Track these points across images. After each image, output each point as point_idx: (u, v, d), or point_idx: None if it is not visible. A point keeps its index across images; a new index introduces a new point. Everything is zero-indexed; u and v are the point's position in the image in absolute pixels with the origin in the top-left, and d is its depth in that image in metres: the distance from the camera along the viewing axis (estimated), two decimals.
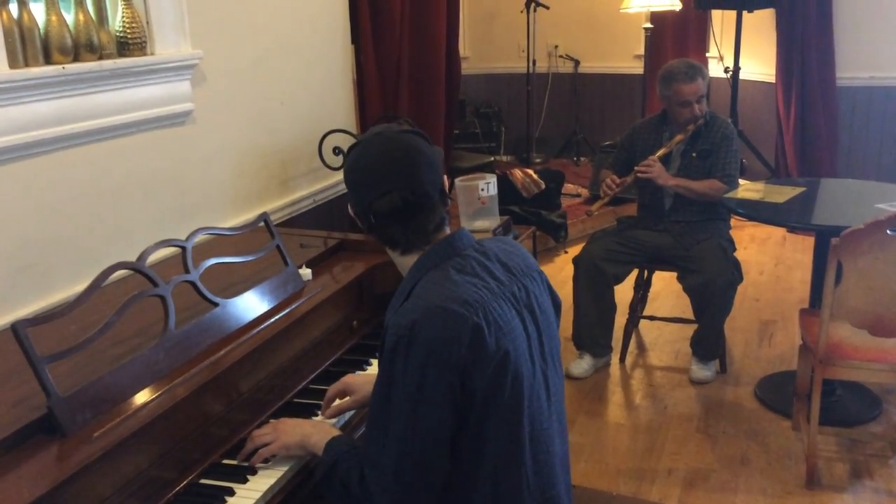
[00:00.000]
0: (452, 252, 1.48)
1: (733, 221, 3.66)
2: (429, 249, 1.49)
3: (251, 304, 1.91)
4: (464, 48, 6.64)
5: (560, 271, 4.59)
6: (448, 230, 1.54)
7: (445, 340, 1.34)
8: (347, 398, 1.79)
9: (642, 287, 3.70)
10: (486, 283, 1.44)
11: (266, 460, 1.61)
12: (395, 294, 1.50)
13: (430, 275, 1.45)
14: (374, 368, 2.03)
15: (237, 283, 1.99)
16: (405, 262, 1.52)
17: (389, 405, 1.38)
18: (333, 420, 1.77)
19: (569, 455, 1.61)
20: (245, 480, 1.56)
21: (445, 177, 1.53)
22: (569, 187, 5.72)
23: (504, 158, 6.87)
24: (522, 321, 1.46)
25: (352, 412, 1.82)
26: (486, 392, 1.38)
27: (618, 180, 3.46)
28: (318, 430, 1.60)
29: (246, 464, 1.60)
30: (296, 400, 1.88)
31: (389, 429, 1.39)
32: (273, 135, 3.49)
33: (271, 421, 1.70)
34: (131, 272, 1.70)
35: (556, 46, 6.85)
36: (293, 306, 1.98)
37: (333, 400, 1.79)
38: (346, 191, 1.59)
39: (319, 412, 1.80)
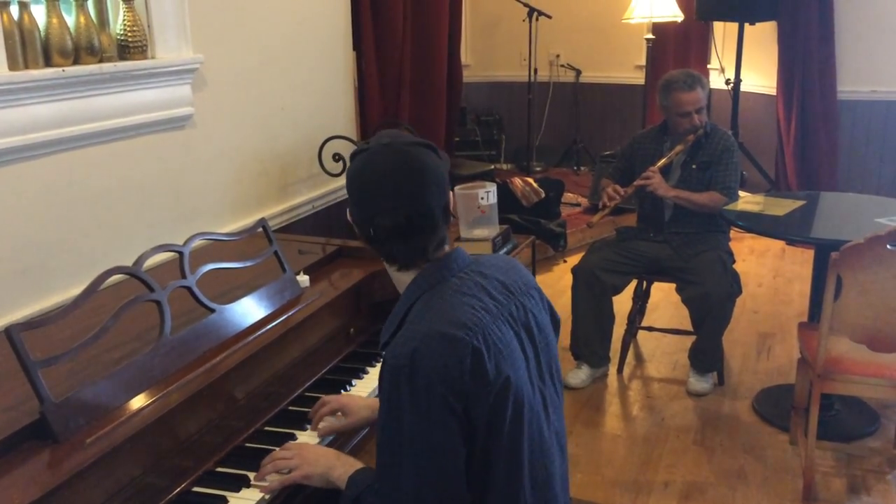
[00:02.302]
0: (448, 273, 1.43)
1: (732, 233, 3.66)
2: (426, 268, 1.44)
3: (248, 311, 1.90)
4: (465, 56, 6.65)
5: (559, 281, 4.58)
6: (447, 248, 1.49)
7: (447, 367, 1.29)
8: (341, 417, 1.77)
9: (641, 298, 3.69)
10: (483, 303, 1.39)
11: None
12: (390, 315, 1.45)
13: (426, 296, 1.41)
14: (370, 380, 2.02)
15: (234, 288, 1.98)
16: (402, 278, 1.48)
17: (401, 438, 1.32)
18: (329, 439, 1.76)
19: (568, 472, 1.58)
20: (238, 489, 1.55)
21: (451, 193, 1.48)
22: (568, 196, 5.72)
23: (504, 166, 6.87)
24: (520, 341, 1.43)
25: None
26: (488, 420, 1.33)
27: (620, 190, 3.45)
28: (342, 463, 1.54)
29: (240, 472, 1.59)
30: (291, 408, 1.87)
31: (403, 463, 1.33)
32: (273, 140, 3.48)
33: (291, 444, 1.65)
34: (128, 277, 1.69)
35: (558, 56, 6.86)
36: (290, 313, 1.97)
37: (324, 417, 1.76)
38: (346, 197, 1.56)
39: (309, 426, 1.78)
